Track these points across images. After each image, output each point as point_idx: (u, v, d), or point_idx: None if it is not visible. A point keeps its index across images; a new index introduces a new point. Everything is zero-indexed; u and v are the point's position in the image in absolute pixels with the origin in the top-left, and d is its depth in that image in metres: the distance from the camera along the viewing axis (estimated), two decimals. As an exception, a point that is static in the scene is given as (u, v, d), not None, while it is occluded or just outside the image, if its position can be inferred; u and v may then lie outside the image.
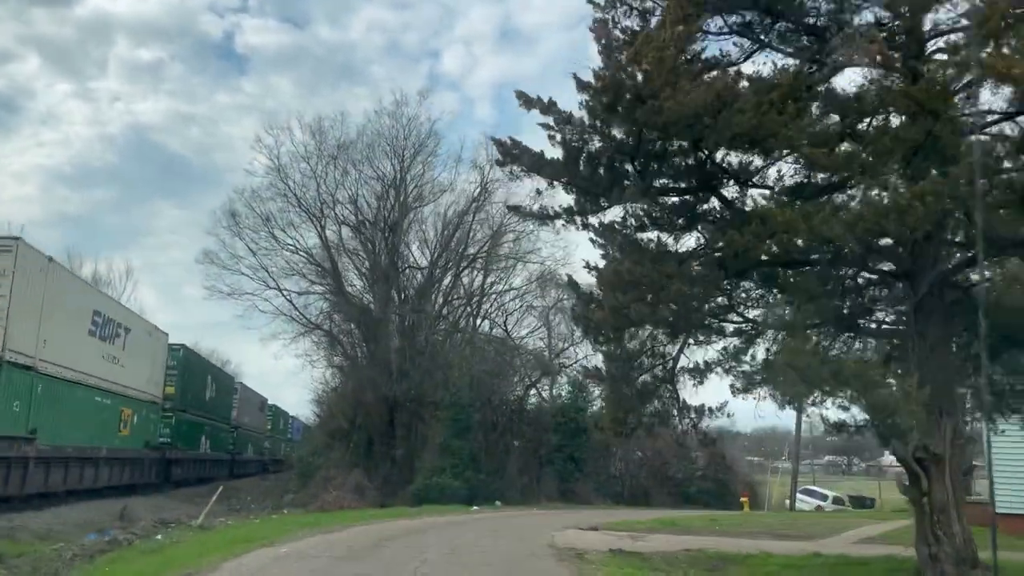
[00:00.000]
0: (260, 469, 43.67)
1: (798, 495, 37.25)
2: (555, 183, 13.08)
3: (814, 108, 11.48)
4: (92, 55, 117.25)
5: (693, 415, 13.66)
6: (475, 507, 29.36)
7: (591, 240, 13.49)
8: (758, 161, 12.27)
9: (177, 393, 32.02)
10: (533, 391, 40.56)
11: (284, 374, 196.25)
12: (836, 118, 11.46)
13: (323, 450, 35.27)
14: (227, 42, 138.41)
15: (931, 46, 11.43)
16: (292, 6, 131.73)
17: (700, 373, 13.47)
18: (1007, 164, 10.42)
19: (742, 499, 31.54)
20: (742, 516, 25.75)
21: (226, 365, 67.21)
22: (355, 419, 34.02)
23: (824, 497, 36.76)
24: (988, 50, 9.55)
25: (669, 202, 13.14)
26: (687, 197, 12.98)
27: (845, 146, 11.27)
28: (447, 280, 39.49)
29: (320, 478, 31.98)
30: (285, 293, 36.97)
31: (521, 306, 41.00)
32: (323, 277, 37.69)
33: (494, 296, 41.11)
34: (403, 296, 37.42)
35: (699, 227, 13.04)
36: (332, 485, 30.70)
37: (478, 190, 38.25)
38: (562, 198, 13.46)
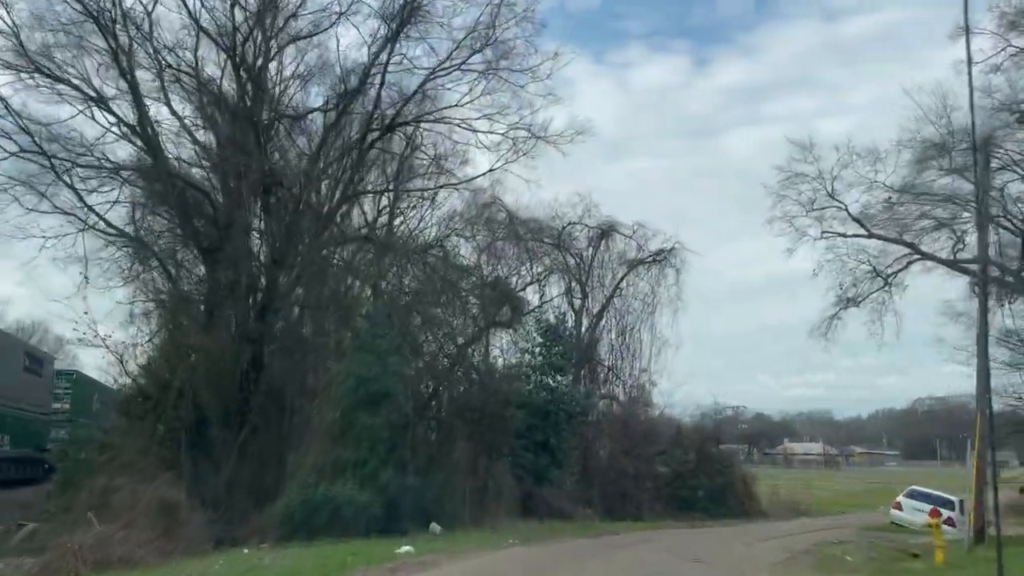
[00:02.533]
0: (35, 473, 26.95)
1: (907, 500, 23.96)
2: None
3: None
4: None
5: None
6: (407, 547, 14.57)
7: None
8: None
9: None
10: (477, 344, 25.77)
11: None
12: None
13: (117, 438, 19.28)
14: None
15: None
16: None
17: None
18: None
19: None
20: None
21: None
22: (172, 382, 18.29)
23: (949, 504, 23.32)
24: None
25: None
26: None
27: None
28: (346, 165, 24.14)
29: (94, 491, 16.19)
30: (59, 164, 20.64)
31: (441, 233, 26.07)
32: (126, 139, 21.62)
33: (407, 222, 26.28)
34: (268, 169, 21.71)
35: None
36: (110, 507, 15.12)
37: (396, 23, 23.05)
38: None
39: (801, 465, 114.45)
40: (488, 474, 23.18)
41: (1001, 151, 27.59)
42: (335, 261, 22.43)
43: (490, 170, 24.56)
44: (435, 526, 19.62)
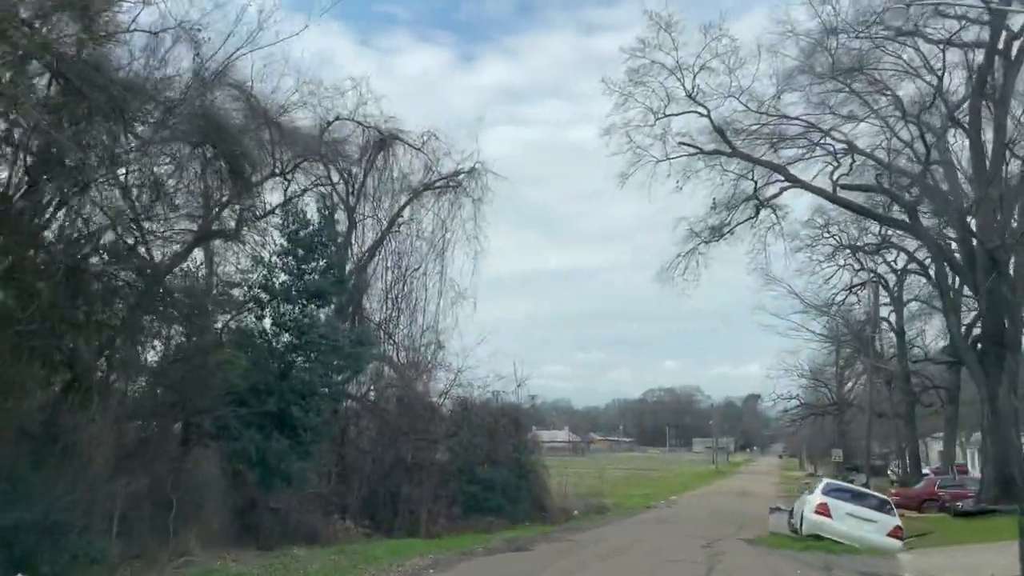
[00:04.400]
0: None
1: (835, 502, 16.10)
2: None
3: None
4: None
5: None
6: None
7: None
8: None
9: None
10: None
11: None
12: None
13: None
14: None
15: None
16: None
17: None
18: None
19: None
20: None
21: None
22: None
23: (886, 506, 16.52)
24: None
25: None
26: None
27: None
28: None
29: None
30: None
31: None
32: None
33: None
34: None
35: None
36: None
37: None
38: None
39: (550, 452, 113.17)
40: (175, 471, 12.62)
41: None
42: None
43: None
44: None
